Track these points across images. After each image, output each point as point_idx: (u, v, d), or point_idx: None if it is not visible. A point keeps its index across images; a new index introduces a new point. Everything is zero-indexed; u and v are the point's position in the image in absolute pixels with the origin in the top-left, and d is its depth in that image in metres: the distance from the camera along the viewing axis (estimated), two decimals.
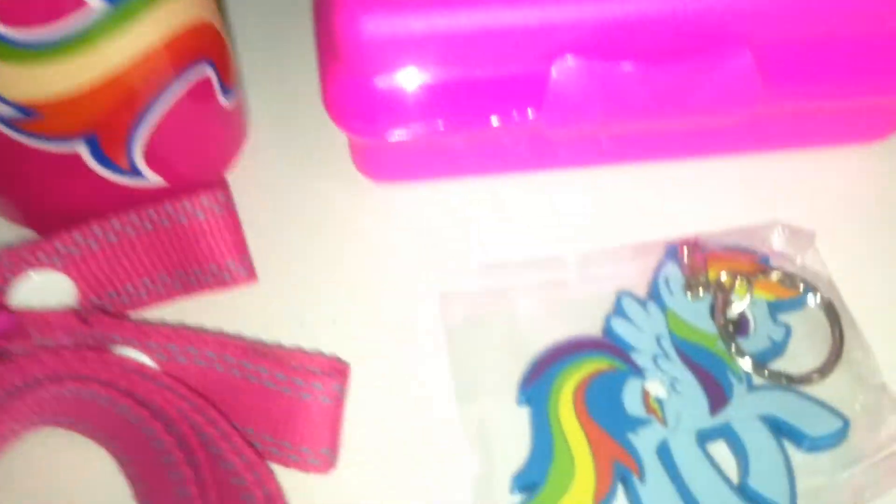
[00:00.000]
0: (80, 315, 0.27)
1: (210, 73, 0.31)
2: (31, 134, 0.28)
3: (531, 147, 0.33)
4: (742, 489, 0.26)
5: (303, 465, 0.27)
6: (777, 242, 0.31)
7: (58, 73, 0.27)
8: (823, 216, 0.32)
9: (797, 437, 0.27)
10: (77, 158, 0.29)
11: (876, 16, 0.30)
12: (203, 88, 0.31)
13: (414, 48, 0.29)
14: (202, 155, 0.33)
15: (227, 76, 0.32)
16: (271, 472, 0.26)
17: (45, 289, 0.28)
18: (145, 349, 0.27)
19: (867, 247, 0.32)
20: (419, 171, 0.33)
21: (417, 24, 0.29)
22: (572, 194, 0.33)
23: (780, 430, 0.27)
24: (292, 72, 0.36)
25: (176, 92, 0.30)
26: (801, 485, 0.26)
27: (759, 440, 0.27)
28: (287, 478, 0.26)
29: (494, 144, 0.32)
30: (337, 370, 0.27)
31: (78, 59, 0.26)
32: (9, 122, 0.28)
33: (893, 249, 0.32)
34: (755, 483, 0.26)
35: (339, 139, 0.33)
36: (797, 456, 0.27)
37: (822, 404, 0.27)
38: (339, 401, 0.27)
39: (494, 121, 0.30)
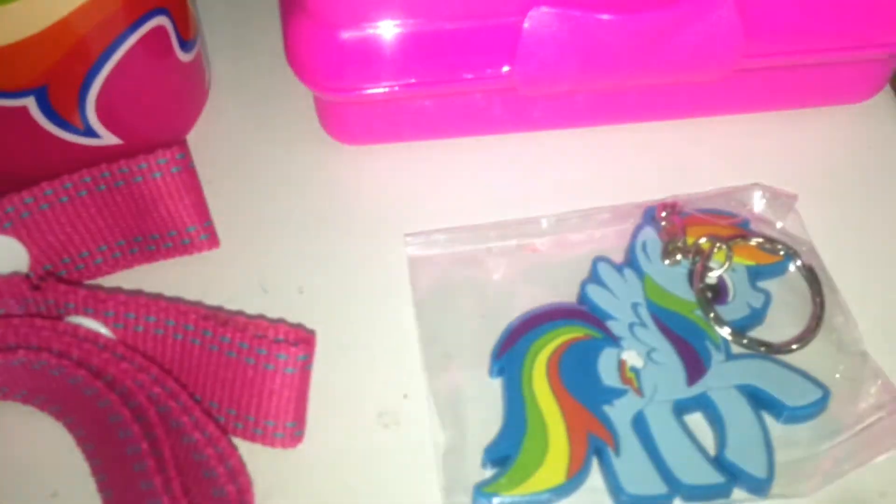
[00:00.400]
0: (31, 281, 0.27)
1: (166, 23, 0.30)
2: None
3: (505, 108, 0.32)
4: (719, 462, 0.26)
5: (268, 440, 0.26)
6: (757, 206, 0.31)
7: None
8: (805, 179, 0.32)
9: (776, 408, 0.27)
10: (25, 113, 0.28)
11: None
12: (158, 39, 0.30)
13: None
14: (160, 112, 0.32)
15: (184, 27, 0.31)
16: (234, 447, 0.25)
17: None
18: (100, 317, 0.26)
19: (849, 211, 0.31)
20: (388, 133, 0.33)
21: None
22: (547, 156, 0.33)
23: (758, 400, 0.27)
24: (256, 25, 0.36)
25: (129, 42, 0.29)
26: (780, 457, 0.26)
27: (736, 411, 0.26)
28: (252, 453, 0.26)
29: (466, 105, 0.32)
30: (302, 339, 0.26)
31: (21, 3, 0.26)
32: None
33: (876, 214, 0.31)
34: (732, 455, 0.26)
35: (305, 98, 0.33)
36: (776, 427, 0.27)
37: (801, 374, 0.27)
38: (304, 371, 0.26)
39: (467, 76, 0.30)
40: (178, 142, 0.30)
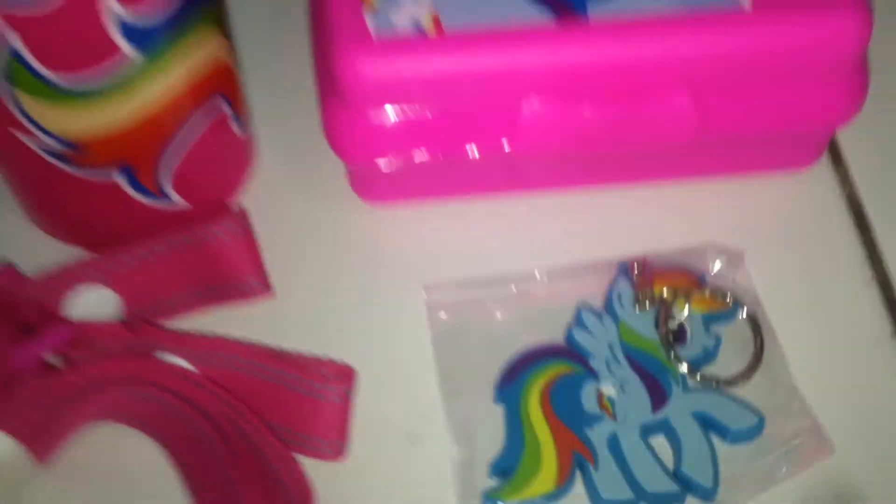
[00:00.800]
0: (127, 325, 0.31)
1: (225, 106, 0.33)
2: (75, 165, 0.31)
3: (504, 173, 0.36)
4: (676, 474, 0.30)
5: (318, 454, 0.30)
6: (712, 262, 0.34)
7: (98, 114, 0.29)
8: (753, 237, 0.34)
9: (722, 431, 0.30)
10: (116, 186, 0.32)
11: (792, 66, 0.33)
12: (220, 120, 0.33)
13: (403, 87, 0.32)
14: (219, 179, 0.36)
15: (239, 108, 0.34)
16: (296, 460, 0.29)
17: (96, 302, 0.32)
18: (184, 355, 0.31)
19: (788, 265, 0.34)
20: (408, 195, 0.36)
21: (406, 67, 0.31)
22: (541, 217, 0.36)
23: (708, 424, 0.30)
24: (295, 104, 0.38)
25: (197, 125, 0.32)
26: (724, 470, 0.30)
27: (691, 434, 0.30)
28: (306, 464, 0.30)
29: (473, 170, 0.35)
30: (345, 374, 0.31)
31: (115, 102, 0.29)
32: (56, 155, 0.30)
33: (811, 268, 0.35)
34: (687, 469, 0.30)
35: (337, 164, 0.35)
36: (721, 447, 0.30)
37: (743, 404, 0.31)
38: (347, 400, 0.31)
39: (473, 150, 0.33)
40: (238, 208, 0.33)
